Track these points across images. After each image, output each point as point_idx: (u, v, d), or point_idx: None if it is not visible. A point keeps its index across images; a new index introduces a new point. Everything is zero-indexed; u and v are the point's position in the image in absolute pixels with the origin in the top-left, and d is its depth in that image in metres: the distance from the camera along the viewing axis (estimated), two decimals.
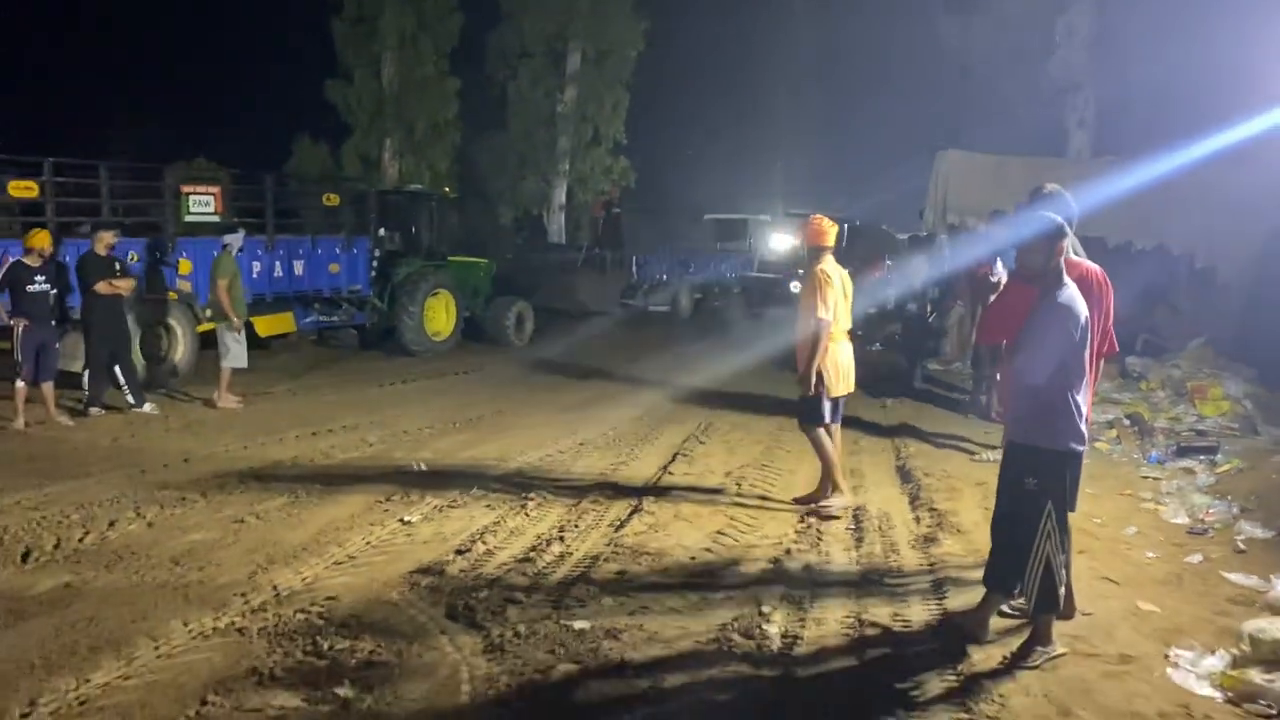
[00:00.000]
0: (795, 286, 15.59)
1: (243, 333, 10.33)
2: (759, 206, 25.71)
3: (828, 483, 6.68)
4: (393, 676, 3.98)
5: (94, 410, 9.53)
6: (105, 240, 9.46)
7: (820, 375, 6.41)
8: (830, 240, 6.52)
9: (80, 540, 5.73)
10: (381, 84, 22.70)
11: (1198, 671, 4.17)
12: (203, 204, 11.59)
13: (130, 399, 9.66)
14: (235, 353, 10.33)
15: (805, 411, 6.59)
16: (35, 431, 8.73)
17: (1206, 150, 11.98)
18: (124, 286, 9.61)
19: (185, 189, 11.61)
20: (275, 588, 4.96)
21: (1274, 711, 3.72)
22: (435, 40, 22.73)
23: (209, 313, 10.80)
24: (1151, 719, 3.78)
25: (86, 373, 9.61)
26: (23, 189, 9.93)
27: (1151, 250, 13.08)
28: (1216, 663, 4.21)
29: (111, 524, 6.05)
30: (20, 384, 8.95)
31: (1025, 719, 3.77)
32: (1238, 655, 4.17)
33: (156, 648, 4.22)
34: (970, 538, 6.01)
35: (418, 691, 3.86)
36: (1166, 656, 4.35)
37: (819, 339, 6.34)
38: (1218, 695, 3.99)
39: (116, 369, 9.61)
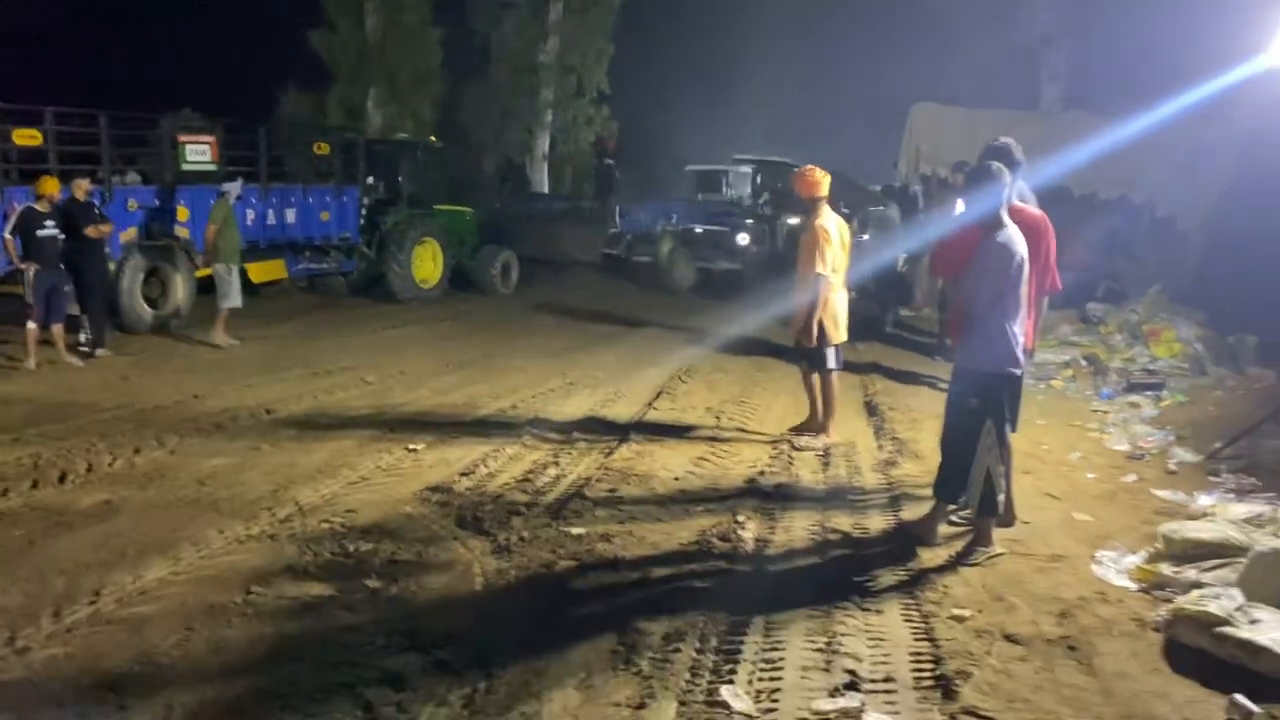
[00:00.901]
0: (743, 239, 16.12)
1: (234, 274, 10.77)
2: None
3: (826, 422, 7.15)
4: (414, 571, 4.52)
5: (100, 351, 9.97)
6: (83, 187, 9.86)
7: (822, 326, 6.82)
8: (824, 190, 6.82)
9: (110, 465, 6.22)
10: (365, 33, 22.80)
11: (1118, 567, 4.77)
12: (199, 153, 11.92)
13: (90, 337, 10.03)
14: (230, 294, 10.80)
15: (814, 360, 7.02)
16: (48, 372, 9.16)
17: (1172, 106, 12.50)
18: (105, 230, 10.03)
19: (182, 138, 11.92)
20: (298, 503, 5.48)
21: (1175, 595, 4.31)
22: None
23: (203, 258, 11.22)
24: (1072, 602, 4.37)
25: (85, 315, 10.01)
26: (27, 137, 10.24)
27: (1115, 200, 13.67)
28: (1135, 560, 4.81)
29: (136, 451, 6.53)
30: (31, 326, 9.35)
31: (964, 604, 4.34)
32: (1153, 552, 4.76)
33: (198, 550, 4.74)
34: (927, 462, 6.57)
35: (437, 583, 4.41)
36: (1093, 557, 4.94)
37: (819, 293, 6.72)
38: (1131, 585, 4.59)
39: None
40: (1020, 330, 4.71)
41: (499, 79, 26.01)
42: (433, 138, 17.90)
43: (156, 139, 12.07)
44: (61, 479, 5.91)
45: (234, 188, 11.04)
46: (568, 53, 25.80)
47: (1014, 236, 4.58)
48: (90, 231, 9.73)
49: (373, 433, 7.13)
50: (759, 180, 17.35)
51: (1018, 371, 4.76)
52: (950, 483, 4.99)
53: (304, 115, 22.63)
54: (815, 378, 7.10)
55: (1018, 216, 4.86)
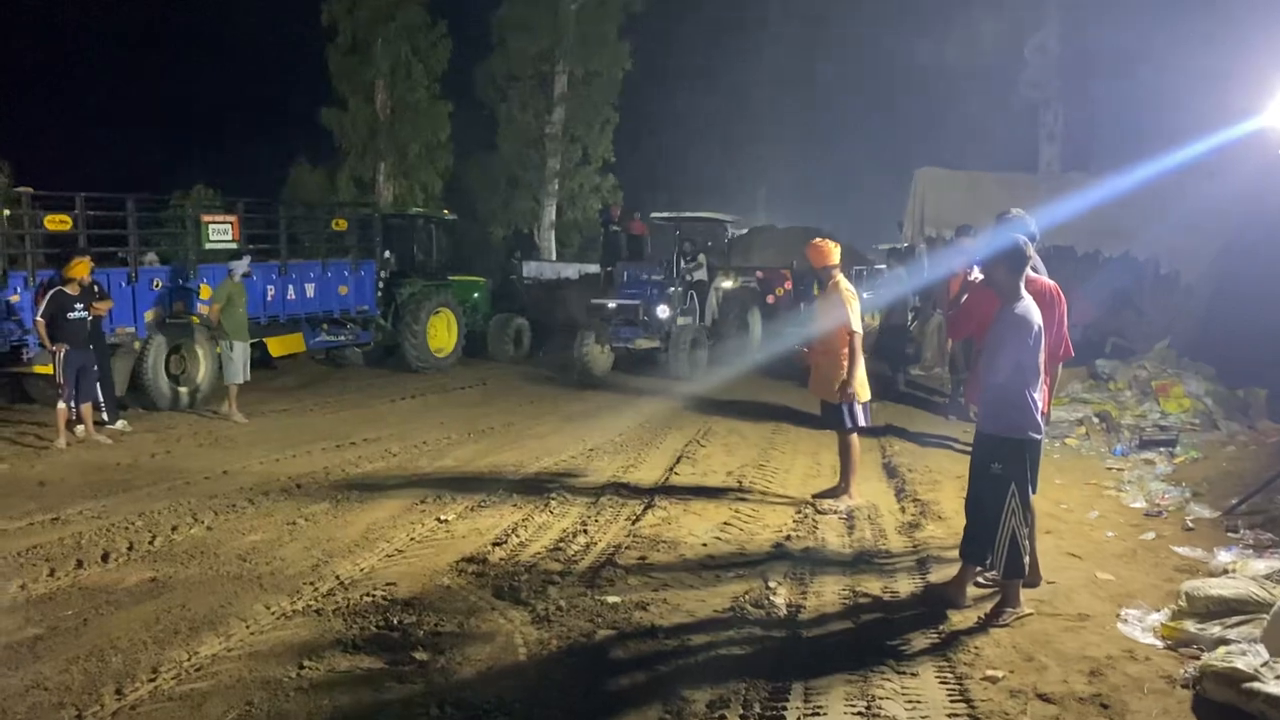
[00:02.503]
0: (664, 311, 14.02)
1: (237, 350, 11.00)
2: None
3: (848, 483, 7.32)
4: (458, 643, 4.64)
5: (120, 423, 10.20)
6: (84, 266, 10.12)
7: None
8: (836, 259, 7.20)
9: (151, 543, 6.37)
10: (375, 110, 23.34)
11: (1143, 625, 4.88)
12: (221, 232, 12.22)
13: (104, 415, 10.25)
14: (234, 371, 11.07)
15: (844, 419, 7.16)
16: (79, 451, 9.35)
17: (1170, 163, 12.79)
18: (103, 307, 10.29)
19: (205, 218, 12.25)
20: (338, 577, 5.61)
21: (1201, 651, 4.42)
22: (427, 66, 23.36)
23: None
24: (1101, 660, 4.47)
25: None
26: (58, 222, 10.54)
27: (1119, 257, 13.89)
28: (1159, 618, 4.92)
29: (174, 529, 6.68)
30: (61, 406, 9.57)
31: (997, 665, 4.45)
32: (1176, 610, 4.87)
33: (247, 626, 4.86)
34: (950, 523, 6.70)
35: (482, 653, 4.53)
36: (1118, 615, 5.05)
37: (855, 352, 7.00)
38: (1158, 643, 4.70)
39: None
40: (1039, 396, 4.88)
41: (506, 150, 26.53)
42: (445, 210, 18.26)
43: (180, 220, 12.41)
44: (105, 558, 6.05)
45: (241, 265, 11.33)
46: (573, 124, 26.35)
47: (1031, 307, 4.78)
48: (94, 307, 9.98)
49: (403, 504, 7.28)
50: (685, 242, 15.44)
51: (1038, 436, 4.93)
52: (976, 545, 5.12)
53: (313, 190, 23.10)
54: (854, 437, 7.28)
55: (1032, 286, 5.06)
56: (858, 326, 6.99)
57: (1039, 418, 4.90)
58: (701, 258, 15.52)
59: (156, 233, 12.69)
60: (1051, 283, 5.42)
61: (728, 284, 15.84)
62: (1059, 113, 19.02)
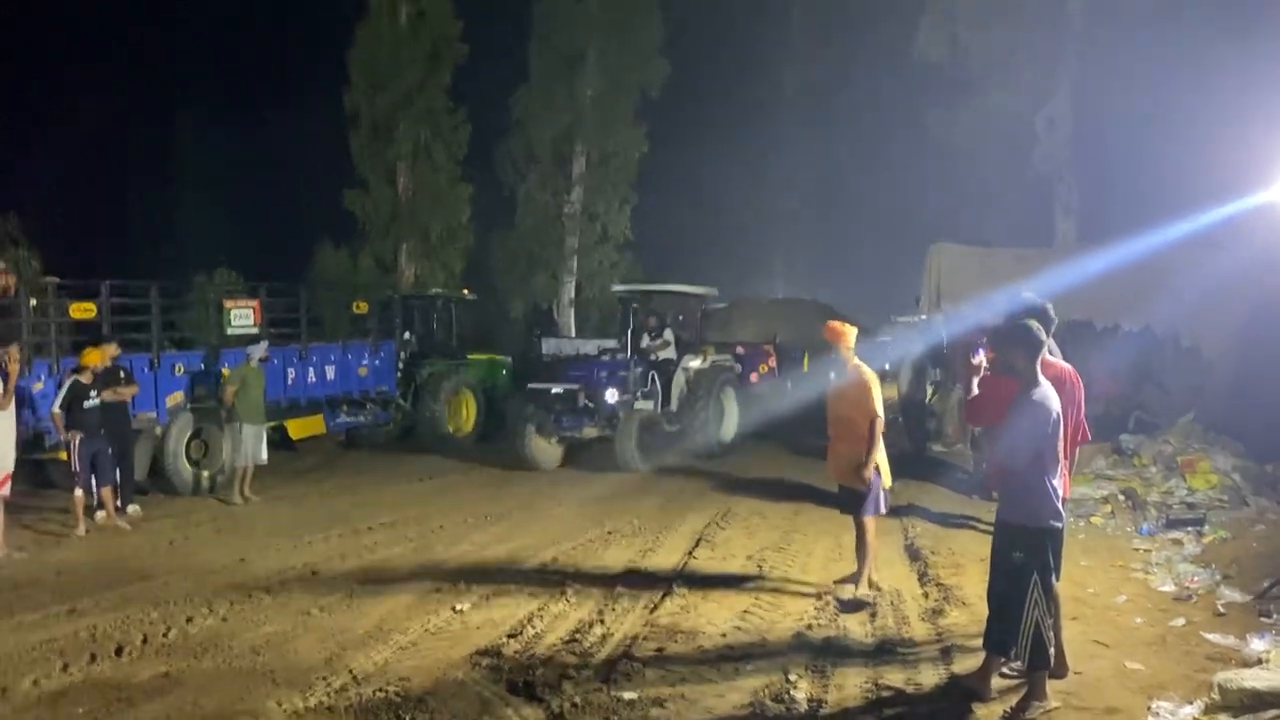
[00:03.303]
0: (612, 395, 13.02)
1: (247, 432, 11.06)
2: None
3: (862, 573, 7.12)
4: None
5: (131, 508, 10.22)
6: (109, 352, 10.22)
7: (877, 469, 6.94)
8: (852, 340, 7.09)
9: (165, 635, 6.32)
10: (397, 192, 23.77)
11: (1175, 719, 4.73)
12: (243, 317, 12.38)
13: (118, 501, 10.21)
14: (243, 453, 11.14)
15: (864, 503, 6.97)
16: (97, 538, 9.36)
17: (1186, 234, 12.80)
18: (127, 393, 10.36)
19: (228, 304, 12.42)
20: (351, 671, 5.55)
21: None
22: (448, 149, 23.83)
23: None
24: None
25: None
26: (83, 310, 10.72)
27: (1138, 331, 13.80)
28: (1192, 711, 4.77)
29: (189, 620, 6.64)
30: (79, 493, 9.61)
31: None
32: (1209, 703, 4.73)
33: None
34: (974, 609, 6.57)
35: None
36: (1149, 708, 4.90)
37: (876, 436, 6.84)
38: None
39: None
40: (1059, 483, 4.82)
41: (525, 228, 26.87)
42: (465, 290, 18.47)
43: (204, 305, 12.60)
44: (119, 651, 6.01)
45: (258, 350, 11.43)
46: (591, 203, 26.73)
47: (1049, 394, 4.74)
48: (107, 395, 10.00)
49: (418, 593, 7.22)
50: (651, 317, 14.50)
51: (1059, 524, 4.85)
52: (1000, 636, 5.01)
53: (336, 271, 23.43)
54: (874, 522, 7.13)
55: (1049, 371, 5.02)
56: (880, 411, 6.89)
57: (1060, 505, 4.83)
58: (668, 334, 14.44)
59: (180, 318, 12.85)
60: (1069, 367, 5.39)
61: (696, 363, 14.39)
62: (1073, 185, 19.13)
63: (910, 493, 11.07)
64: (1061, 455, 4.85)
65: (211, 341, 12.24)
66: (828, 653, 5.83)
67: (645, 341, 14.35)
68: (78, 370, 9.77)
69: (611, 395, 13.12)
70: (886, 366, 14.53)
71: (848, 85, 33.95)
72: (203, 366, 11.89)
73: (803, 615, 6.59)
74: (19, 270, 12.86)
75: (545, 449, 13.38)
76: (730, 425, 14.87)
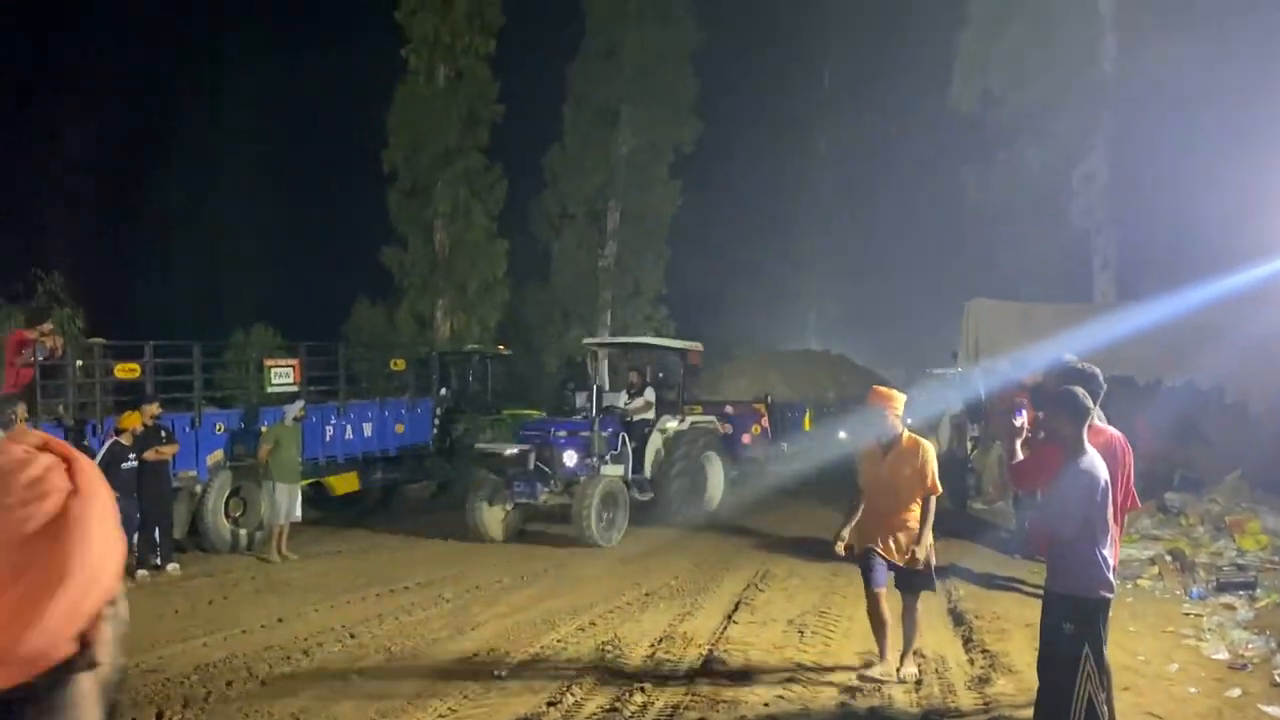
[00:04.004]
0: (570, 459, 11.89)
1: (280, 491, 11.13)
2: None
3: (913, 646, 6.67)
4: None
5: (170, 567, 10.30)
6: (150, 412, 10.37)
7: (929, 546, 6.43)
8: (900, 406, 6.52)
9: (205, 700, 6.33)
10: (434, 248, 24.10)
11: None
12: (283, 375, 12.54)
13: (158, 560, 10.38)
14: (279, 511, 11.19)
15: (920, 581, 6.50)
16: (136, 594, 9.41)
17: (1229, 288, 12.65)
18: (168, 452, 10.48)
19: (269, 362, 12.60)
20: None
21: None
22: (484, 206, 24.20)
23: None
24: None
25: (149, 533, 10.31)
26: (127, 370, 10.90)
27: (1181, 386, 13.59)
28: None
29: (229, 684, 6.65)
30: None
31: None
32: None
33: None
34: (1022, 677, 6.42)
35: None
36: None
37: (931, 511, 6.37)
38: None
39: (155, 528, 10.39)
40: (1110, 552, 4.72)
41: (560, 283, 27.13)
42: (501, 346, 18.61)
43: (244, 363, 12.78)
44: (159, 717, 6.01)
45: (294, 409, 11.54)
46: (625, 257, 26.94)
47: (1096, 462, 4.66)
48: (149, 454, 10.16)
49: (455, 657, 7.19)
50: (633, 372, 13.81)
51: (1109, 595, 4.74)
52: (1051, 710, 4.87)
53: (372, 327, 23.71)
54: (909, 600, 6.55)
55: (1099, 438, 4.95)
56: (939, 485, 6.42)
57: (1110, 575, 4.72)
58: (650, 394, 13.43)
59: (221, 376, 13.03)
60: (1118, 434, 5.31)
61: (673, 424, 13.29)
62: (1110, 238, 19.00)
63: (952, 552, 10.90)
64: (1111, 523, 4.76)
65: (252, 400, 12.38)
66: None
67: (624, 400, 13.49)
68: (118, 432, 9.93)
69: (570, 458, 11.92)
70: (909, 421, 14.18)
71: (880, 140, 34.16)
72: (242, 425, 12.02)
73: (846, 683, 6.47)
74: (64, 330, 13.11)
75: (498, 518, 12.17)
76: (715, 493, 13.90)
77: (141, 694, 6.40)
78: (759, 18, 33.88)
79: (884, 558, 6.45)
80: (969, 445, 14.47)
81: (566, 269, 27.09)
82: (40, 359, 10.42)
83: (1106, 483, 4.67)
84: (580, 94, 26.23)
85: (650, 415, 13.26)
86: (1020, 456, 5.37)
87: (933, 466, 6.39)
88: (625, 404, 13.39)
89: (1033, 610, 8.00)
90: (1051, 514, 4.76)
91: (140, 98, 29.33)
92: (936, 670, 6.77)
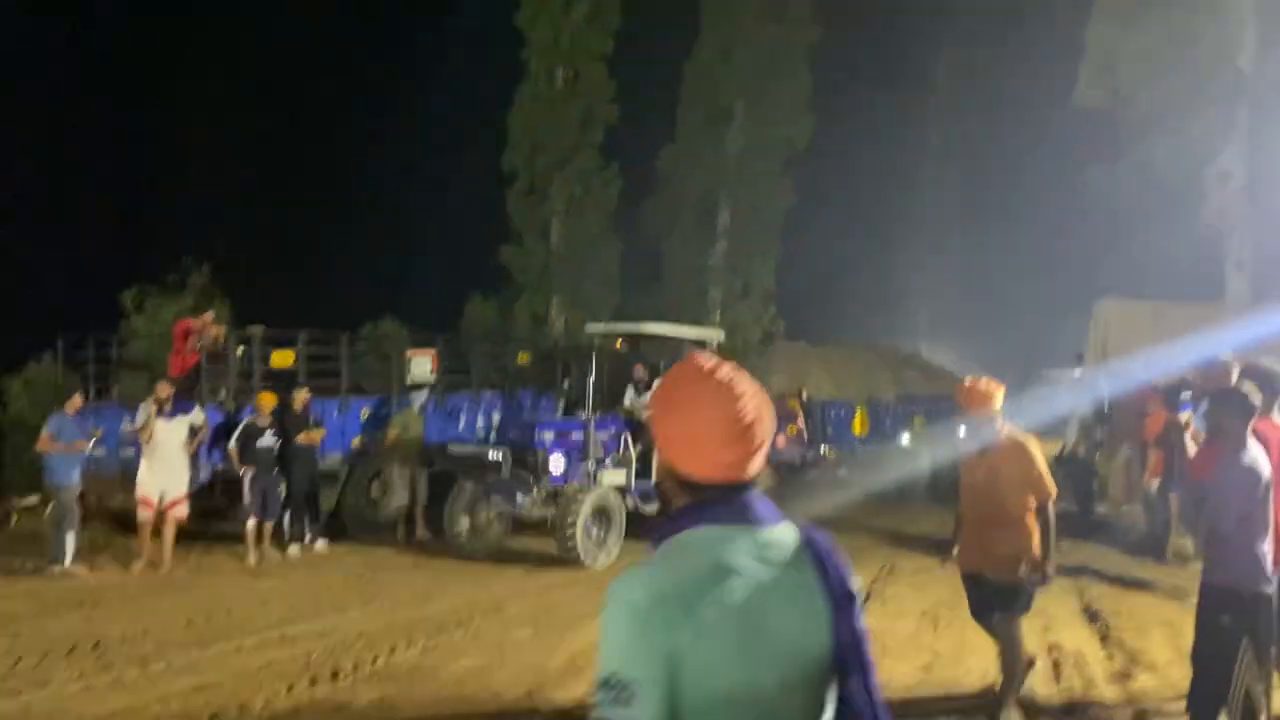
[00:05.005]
0: (558, 464, 10.64)
1: (407, 477, 11.76)
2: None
3: (1011, 688, 5.76)
4: None
5: (318, 545, 10.95)
6: (300, 398, 10.98)
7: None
8: (999, 403, 5.55)
9: (373, 663, 6.80)
10: (550, 246, 24.67)
11: None
12: (422, 365, 13.12)
13: (308, 537, 11.02)
14: (401, 494, 11.81)
15: (1021, 600, 5.58)
16: (298, 572, 10.06)
17: None
18: (316, 436, 11.09)
19: (410, 353, 13.20)
20: (554, 705, 5.87)
21: None
22: (598, 205, 24.66)
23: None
24: None
25: (288, 512, 10.98)
26: (283, 358, 11.60)
27: None
28: None
29: (392, 650, 7.11)
30: (251, 523, 10.41)
31: None
32: None
33: None
34: (1164, 674, 6.44)
35: None
36: None
37: (1052, 518, 5.46)
38: None
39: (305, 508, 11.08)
40: (1268, 548, 4.77)
41: (670, 281, 27.41)
42: (617, 342, 18.96)
43: (378, 353, 13.45)
44: (334, 676, 6.50)
45: (421, 396, 12.12)
46: (734, 256, 27.09)
47: (1259, 457, 4.73)
48: (300, 438, 10.81)
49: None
50: (636, 366, 12.61)
51: (1269, 590, 4.79)
52: (1205, 701, 4.95)
53: (484, 322, 24.38)
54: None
55: (1263, 433, 5.00)
56: (1053, 487, 5.50)
57: (1269, 569, 4.78)
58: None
59: (364, 365, 13.72)
60: None
61: None
62: (1245, 238, 18.40)
63: (1081, 554, 10.83)
64: (1271, 520, 4.81)
65: (393, 388, 13.00)
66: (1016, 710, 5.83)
67: (630, 397, 12.18)
68: (254, 413, 10.61)
69: (557, 463, 10.59)
70: (1017, 423, 13.62)
71: (998, 136, 33.57)
72: (384, 411, 12.64)
73: (985, 674, 6.57)
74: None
75: (476, 530, 10.89)
76: None
77: (314, 656, 6.91)
78: (875, 12, 33.62)
79: (985, 578, 5.62)
80: (1095, 450, 14.25)
81: (676, 268, 27.36)
82: (203, 346, 11.18)
83: (1268, 479, 4.73)
84: (694, 93, 26.44)
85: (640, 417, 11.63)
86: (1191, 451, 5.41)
87: (1042, 466, 5.48)
88: (631, 402, 12.05)
89: (1170, 609, 8.03)
90: (1211, 507, 4.84)
91: (274, 92, 30.85)
92: (1075, 664, 6.82)
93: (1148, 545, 10.90)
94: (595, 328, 12.83)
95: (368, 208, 30.95)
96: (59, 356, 13.29)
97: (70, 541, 9.65)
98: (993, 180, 34.52)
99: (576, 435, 10.89)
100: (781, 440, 13.66)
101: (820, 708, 1.70)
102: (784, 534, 1.78)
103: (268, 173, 30.08)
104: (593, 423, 10.85)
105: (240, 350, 11.57)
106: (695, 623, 1.57)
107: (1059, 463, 14.00)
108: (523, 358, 15.86)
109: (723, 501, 1.74)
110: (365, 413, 12.33)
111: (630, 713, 1.53)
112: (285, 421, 10.75)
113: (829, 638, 1.70)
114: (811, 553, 1.77)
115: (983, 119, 35.09)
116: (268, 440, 10.52)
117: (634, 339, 12.66)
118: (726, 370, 1.80)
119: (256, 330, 11.72)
